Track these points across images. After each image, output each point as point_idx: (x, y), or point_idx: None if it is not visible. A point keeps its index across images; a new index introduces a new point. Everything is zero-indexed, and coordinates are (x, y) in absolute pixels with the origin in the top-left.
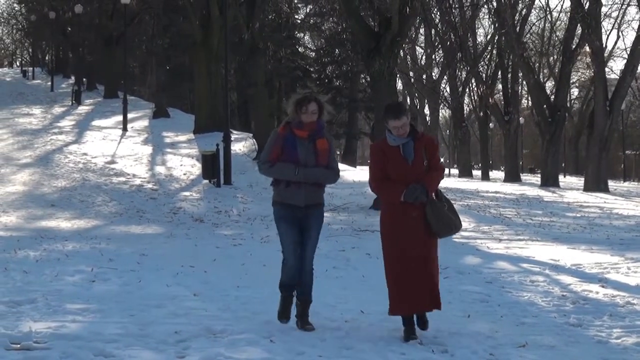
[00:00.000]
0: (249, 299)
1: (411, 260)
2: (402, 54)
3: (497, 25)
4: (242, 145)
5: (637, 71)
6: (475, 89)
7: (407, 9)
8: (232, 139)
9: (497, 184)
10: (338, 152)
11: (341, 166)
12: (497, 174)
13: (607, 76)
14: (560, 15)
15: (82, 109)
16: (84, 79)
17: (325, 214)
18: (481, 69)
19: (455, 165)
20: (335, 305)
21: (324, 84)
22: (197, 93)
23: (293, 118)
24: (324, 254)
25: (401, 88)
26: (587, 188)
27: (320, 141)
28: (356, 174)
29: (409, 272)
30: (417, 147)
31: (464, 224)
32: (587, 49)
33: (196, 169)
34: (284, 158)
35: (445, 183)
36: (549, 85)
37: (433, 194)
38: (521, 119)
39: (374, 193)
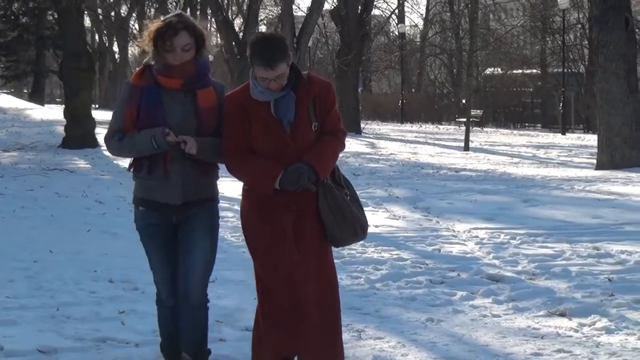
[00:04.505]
0: None
1: (287, 282)
2: None
3: None
4: None
5: (323, 8)
6: None
7: None
8: None
9: None
10: (25, 91)
11: (29, 104)
12: None
13: (295, 13)
14: None
15: None
16: None
17: (12, 154)
18: (170, 6)
19: None
20: (24, 245)
21: (11, 21)
22: None
23: (155, 60)
24: (11, 194)
25: (89, 25)
26: None
27: (204, 92)
28: (44, 113)
29: (284, 299)
30: (301, 101)
31: None
32: None
33: None
34: (142, 123)
35: None
36: (238, 22)
37: (328, 176)
38: (210, 57)
39: (232, 175)
